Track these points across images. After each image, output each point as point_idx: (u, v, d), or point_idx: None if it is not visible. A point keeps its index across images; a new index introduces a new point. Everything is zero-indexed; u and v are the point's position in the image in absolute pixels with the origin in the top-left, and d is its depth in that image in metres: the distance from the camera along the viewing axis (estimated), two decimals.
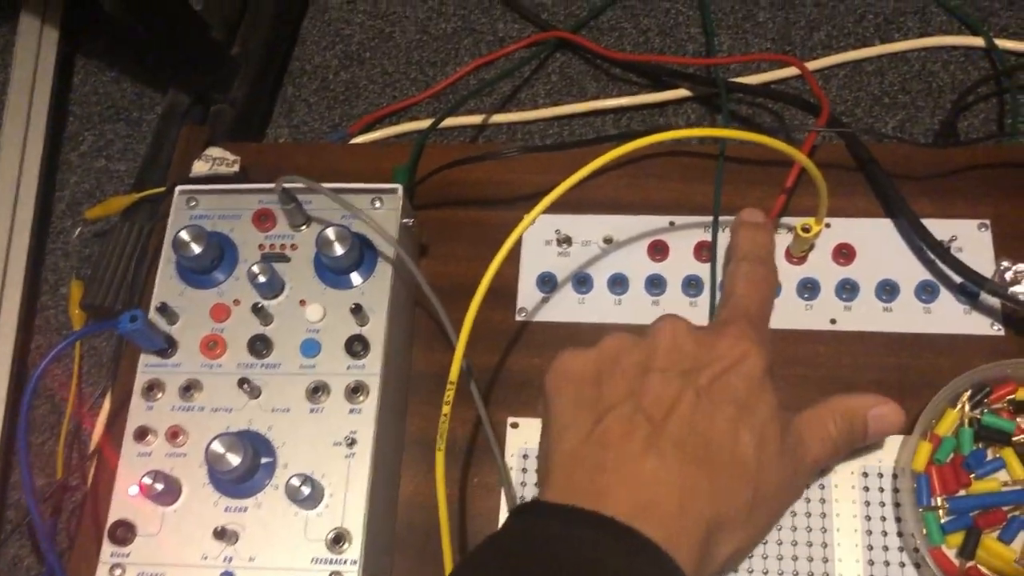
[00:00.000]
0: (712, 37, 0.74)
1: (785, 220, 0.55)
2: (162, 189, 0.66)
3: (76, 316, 0.70)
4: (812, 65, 0.71)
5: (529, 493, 0.51)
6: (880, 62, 0.72)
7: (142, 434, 0.48)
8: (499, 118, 0.73)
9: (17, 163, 0.75)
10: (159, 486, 0.46)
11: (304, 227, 0.53)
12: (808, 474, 0.44)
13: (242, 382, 0.48)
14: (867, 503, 0.49)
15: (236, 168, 0.59)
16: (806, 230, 0.52)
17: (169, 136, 0.74)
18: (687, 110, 0.72)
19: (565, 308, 0.56)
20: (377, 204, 0.53)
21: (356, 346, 0.49)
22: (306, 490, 0.45)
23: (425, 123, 0.74)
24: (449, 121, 0.74)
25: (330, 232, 0.49)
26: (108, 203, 0.70)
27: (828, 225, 0.55)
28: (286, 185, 0.49)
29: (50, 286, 0.74)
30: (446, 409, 0.45)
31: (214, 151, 0.60)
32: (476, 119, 0.73)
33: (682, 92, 0.71)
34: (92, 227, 0.75)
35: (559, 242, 0.57)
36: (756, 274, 0.49)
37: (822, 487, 0.50)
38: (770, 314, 0.50)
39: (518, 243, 0.58)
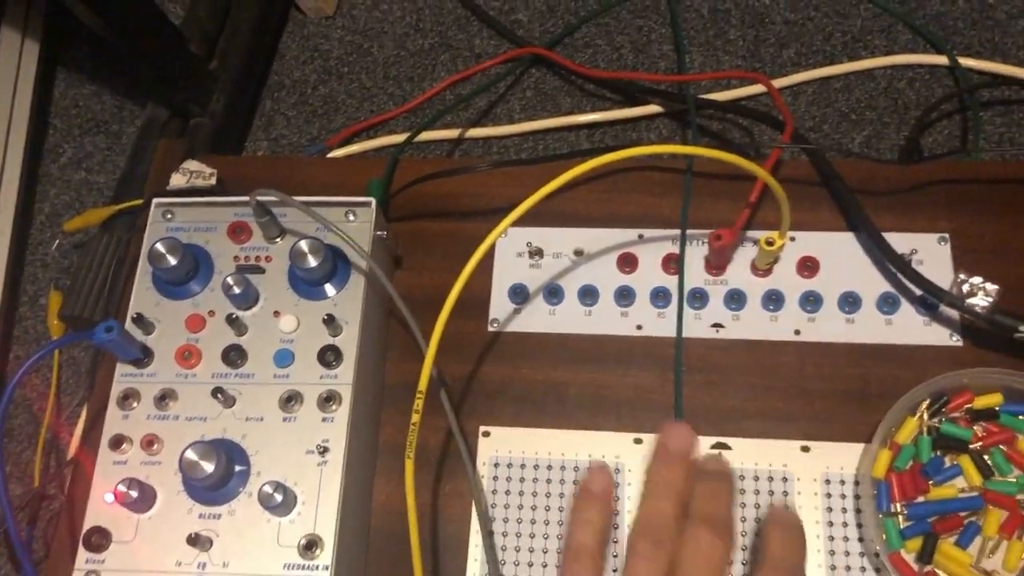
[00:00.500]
0: (683, 54, 0.75)
1: (750, 233, 0.57)
2: (140, 201, 0.66)
3: (55, 327, 0.70)
4: (781, 82, 0.73)
5: (499, 501, 0.52)
6: (847, 79, 0.74)
7: (117, 442, 0.49)
8: (475, 132, 0.75)
9: None
10: (134, 493, 0.46)
11: (279, 239, 0.54)
12: None
13: (216, 391, 0.49)
14: (829, 509, 0.50)
15: (213, 181, 0.60)
16: (770, 243, 0.53)
17: (148, 149, 0.75)
18: (659, 125, 0.73)
19: (537, 319, 0.57)
20: (351, 217, 0.54)
21: (329, 356, 0.50)
22: (279, 497, 0.45)
23: (402, 137, 0.75)
24: (425, 135, 0.75)
25: (303, 244, 0.50)
26: (87, 215, 0.71)
27: (792, 239, 0.56)
28: (260, 199, 0.50)
29: (29, 297, 0.74)
30: (415, 418, 0.46)
31: (191, 164, 0.61)
32: (452, 133, 0.74)
33: (654, 108, 0.73)
34: (71, 238, 0.75)
35: (531, 254, 0.58)
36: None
37: (785, 494, 0.51)
38: None
39: (491, 255, 0.59)
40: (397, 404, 0.56)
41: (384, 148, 0.75)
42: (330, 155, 0.75)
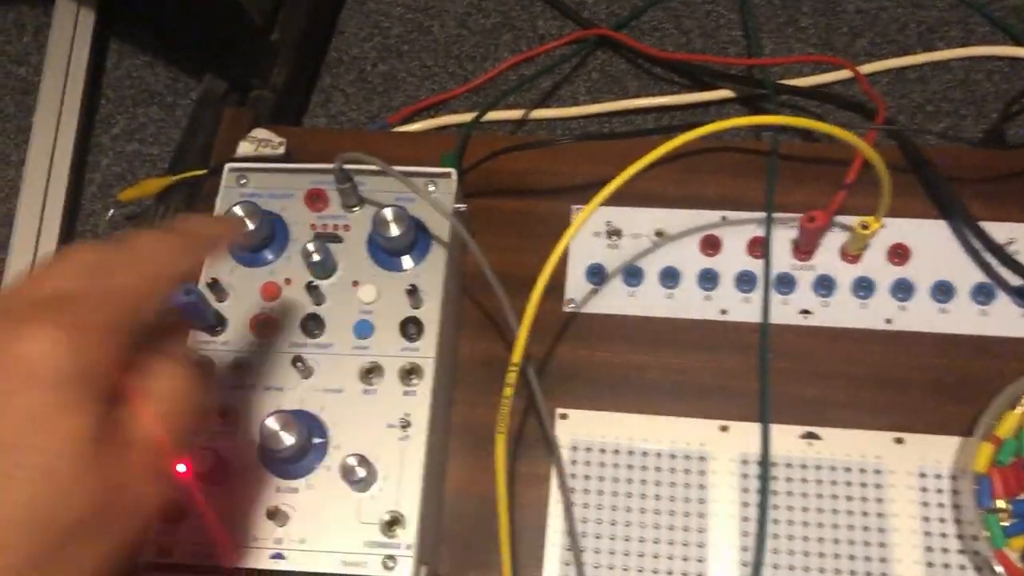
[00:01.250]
0: (755, 39, 0.74)
1: (838, 218, 0.55)
2: (201, 171, 0.65)
3: None
4: (847, 73, 0.71)
5: (578, 485, 0.50)
6: (923, 70, 0.72)
7: None
8: (539, 113, 0.73)
9: (50, 144, 0.74)
10: (210, 463, 0.44)
11: (357, 208, 0.52)
12: (149, 469, 0.30)
13: (296, 361, 0.47)
14: (925, 504, 0.48)
15: (282, 150, 0.58)
16: (864, 227, 0.51)
17: (204, 121, 0.73)
18: (729, 111, 0.72)
19: (615, 300, 0.55)
20: (431, 188, 0.52)
21: (411, 328, 0.48)
22: (361, 471, 0.44)
23: (463, 117, 0.74)
24: (488, 116, 0.73)
25: (387, 212, 0.48)
26: (142, 185, 0.69)
27: (883, 225, 0.54)
28: (345, 166, 0.49)
29: None
30: (508, 391, 0.44)
31: (260, 132, 0.59)
32: (516, 114, 0.73)
33: (724, 93, 0.71)
34: (123, 210, 0.74)
35: (609, 234, 0.57)
36: (150, 240, 0.32)
37: (878, 487, 0.49)
38: (137, 306, 0.31)
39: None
40: (469, 382, 0.54)
41: (444, 128, 0.73)
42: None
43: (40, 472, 0.27)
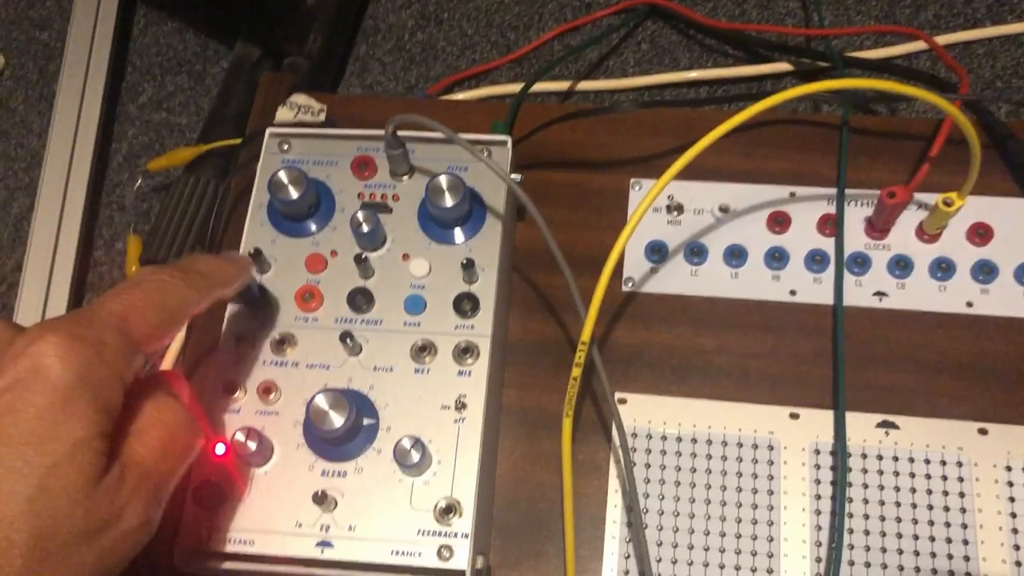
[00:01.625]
0: (814, 9, 0.70)
1: (916, 196, 0.51)
2: (235, 141, 0.62)
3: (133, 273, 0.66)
4: (919, 45, 0.68)
5: (638, 474, 0.47)
6: (991, 44, 0.68)
7: (230, 388, 0.44)
8: (586, 85, 0.70)
9: (75, 113, 0.71)
10: (252, 444, 0.42)
11: (407, 177, 0.49)
12: (148, 496, 0.33)
13: (345, 336, 0.44)
14: (1012, 499, 0.45)
15: (322, 117, 0.55)
16: (948, 204, 0.48)
17: (237, 89, 0.70)
18: (787, 85, 0.68)
19: (677, 280, 0.52)
20: (485, 155, 0.49)
21: (465, 304, 0.45)
22: (416, 455, 0.41)
23: (505, 88, 0.70)
24: (534, 87, 0.70)
25: (443, 180, 0.45)
26: (172, 154, 0.66)
27: (966, 202, 0.51)
28: (401, 133, 0.45)
29: (105, 241, 0.70)
30: (576, 372, 0.41)
31: (299, 98, 0.56)
32: (562, 85, 0.69)
33: (782, 66, 0.67)
34: (151, 181, 0.71)
35: (670, 209, 0.53)
36: (154, 277, 0.35)
37: (961, 480, 0.46)
38: (147, 332, 0.33)
39: (624, 209, 0.54)
40: (518, 364, 0.51)
41: (486, 99, 0.70)
42: None
43: (45, 471, 0.28)
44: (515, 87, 0.70)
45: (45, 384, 0.29)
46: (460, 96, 0.70)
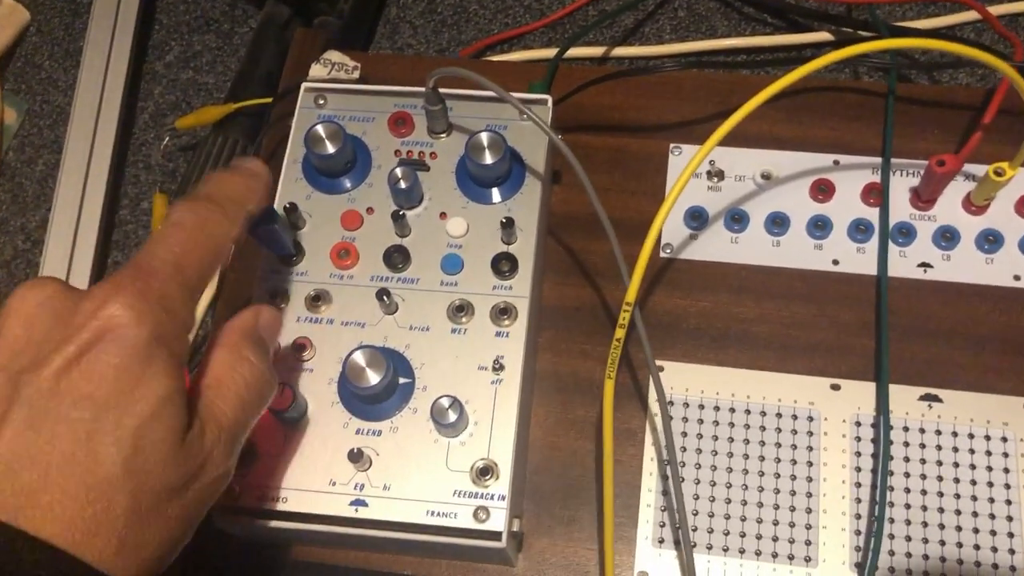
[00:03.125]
0: None
1: (965, 167, 0.50)
2: (266, 100, 0.61)
3: None
4: (965, 16, 0.66)
5: (676, 442, 0.46)
6: None
7: None
8: (621, 51, 0.68)
9: (102, 71, 0.70)
10: (286, 401, 0.41)
11: (444, 135, 0.48)
12: (227, 447, 0.33)
13: (381, 294, 0.43)
14: None
15: (356, 75, 0.54)
16: (999, 174, 0.47)
17: (266, 48, 0.69)
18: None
19: (716, 247, 0.51)
20: (524, 116, 0.48)
21: (503, 265, 0.44)
22: (453, 415, 0.40)
23: (538, 53, 0.69)
24: (568, 53, 0.68)
25: (483, 137, 0.44)
26: (200, 112, 0.65)
27: (1018, 172, 0.50)
28: (440, 89, 0.44)
29: (130, 200, 0.69)
30: (620, 333, 0.40)
31: (333, 55, 0.55)
32: (596, 51, 0.68)
33: (822, 36, 0.66)
34: (177, 141, 0.70)
35: (710, 175, 0.52)
36: (192, 215, 0.34)
37: (1005, 455, 0.45)
38: (201, 273, 0.33)
39: (663, 173, 0.53)
40: (552, 328, 0.50)
41: (519, 64, 0.69)
42: None
43: (135, 431, 0.29)
44: (548, 52, 0.68)
45: (122, 346, 0.29)
46: (493, 60, 0.69)
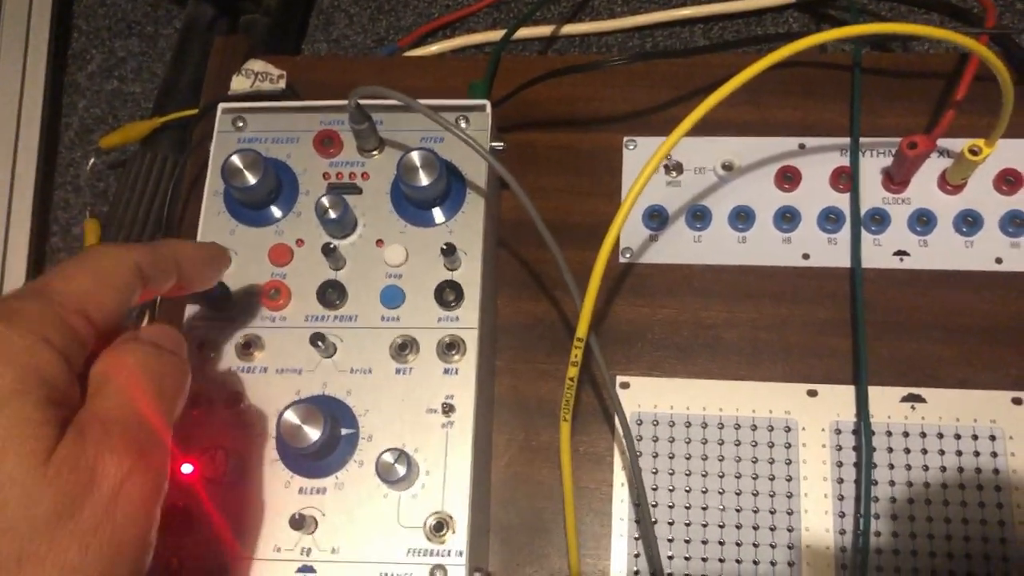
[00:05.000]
0: None
1: (940, 143, 0.47)
2: (191, 111, 0.56)
3: None
4: None
5: (645, 464, 0.44)
6: None
7: (195, 400, 0.40)
8: (571, 28, 0.64)
9: (18, 84, 0.66)
10: (221, 463, 0.38)
11: (376, 152, 0.44)
12: (122, 440, 0.28)
13: (316, 338, 0.40)
14: None
15: (282, 84, 0.50)
16: (974, 152, 0.43)
17: (191, 53, 0.65)
18: (788, 19, 0.63)
19: (678, 247, 0.48)
20: (462, 124, 0.44)
21: (447, 294, 0.41)
22: (401, 468, 0.37)
23: (484, 36, 0.65)
24: (515, 34, 0.64)
25: (415, 156, 0.40)
26: (125, 130, 0.61)
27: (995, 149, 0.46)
28: (361, 100, 0.41)
29: (61, 226, 0.65)
30: (572, 372, 0.37)
31: (255, 64, 0.51)
32: (545, 30, 0.64)
33: None
34: (106, 158, 0.66)
35: (668, 169, 0.49)
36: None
37: (994, 455, 0.42)
38: (80, 278, 0.30)
39: (619, 171, 0.50)
40: (509, 348, 0.47)
41: (465, 50, 0.65)
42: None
43: None
44: (495, 35, 0.64)
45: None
46: (435, 48, 0.65)
